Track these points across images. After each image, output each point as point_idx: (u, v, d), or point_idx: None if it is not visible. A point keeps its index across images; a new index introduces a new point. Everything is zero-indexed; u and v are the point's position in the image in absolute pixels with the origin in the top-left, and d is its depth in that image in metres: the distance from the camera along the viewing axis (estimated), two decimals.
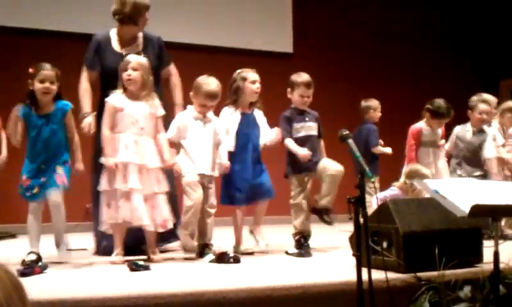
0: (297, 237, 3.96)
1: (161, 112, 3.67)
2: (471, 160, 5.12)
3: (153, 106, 3.65)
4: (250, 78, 3.95)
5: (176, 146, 3.81)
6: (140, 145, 3.55)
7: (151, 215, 3.55)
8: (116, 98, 3.59)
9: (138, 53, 3.90)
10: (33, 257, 3.36)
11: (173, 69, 4.25)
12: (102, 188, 3.54)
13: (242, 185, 3.90)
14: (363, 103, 5.79)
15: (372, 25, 7.75)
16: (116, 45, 4.05)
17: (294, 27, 7.38)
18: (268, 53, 7.05)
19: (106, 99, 3.62)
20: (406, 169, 4.48)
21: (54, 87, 3.46)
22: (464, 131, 5.19)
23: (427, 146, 4.98)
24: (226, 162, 3.83)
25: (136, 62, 3.61)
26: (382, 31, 7.78)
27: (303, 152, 3.91)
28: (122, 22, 3.99)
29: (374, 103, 5.79)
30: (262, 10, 7.20)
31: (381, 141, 5.64)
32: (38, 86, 3.43)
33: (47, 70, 3.46)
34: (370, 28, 7.73)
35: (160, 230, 3.65)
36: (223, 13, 7.00)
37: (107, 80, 3.83)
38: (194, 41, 6.78)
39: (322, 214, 3.99)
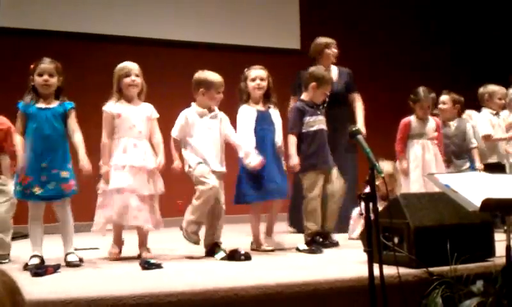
0: (309, 238, 3.94)
1: (156, 114, 3.76)
2: (459, 153, 5.11)
3: (148, 109, 3.74)
4: (250, 76, 3.95)
5: (179, 142, 3.80)
6: (139, 148, 3.63)
7: (147, 215, 3.61)
8: (112, 106, 3.66)
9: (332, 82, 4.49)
10: (36, 261, 3.30)
11: (357, 96, 5.09)
12: (100, 190, 3.61)
13: (260, 182, 3.80)
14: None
15: (380, 21, 7.72)
16: None
17: (301, 23, 7.36)
18: (275, 50, 7.03)
19: (103, 108, 3.66)
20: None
21: (54, 80, 3.45)
22: (443, 127, 5.10)
23: (414, 139, 4.81)
24: (257, 158, 3.72)
25: (138, 69, 3.73)
26: (390, 27, 7.74)
27: (295, 161, 3.90)
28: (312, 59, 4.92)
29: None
30: (269, 7, 7.18)
31: None
32: (37, 79, 3.44)
33: (45, 63, 3.46)
34: (378, 24, 7.69)
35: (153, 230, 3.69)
36: (230, 10, 6.98)
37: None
38: (201, 39, 6.77)
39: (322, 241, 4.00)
